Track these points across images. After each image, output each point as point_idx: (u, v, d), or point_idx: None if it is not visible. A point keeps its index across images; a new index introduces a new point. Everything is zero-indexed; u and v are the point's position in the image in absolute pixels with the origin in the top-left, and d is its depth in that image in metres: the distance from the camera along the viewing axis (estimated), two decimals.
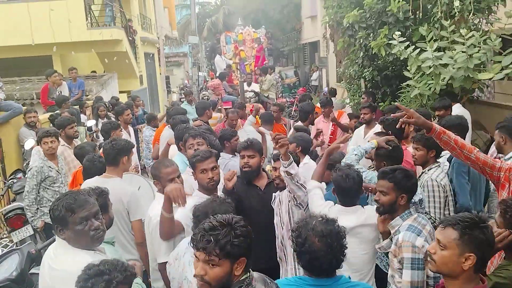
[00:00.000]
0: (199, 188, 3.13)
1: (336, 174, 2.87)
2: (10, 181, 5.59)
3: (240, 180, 3.44)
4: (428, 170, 3.46)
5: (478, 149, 2.80)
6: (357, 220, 2.81)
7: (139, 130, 8.74)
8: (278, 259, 3.26)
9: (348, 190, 2.84)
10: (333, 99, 8.30)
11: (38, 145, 4.67)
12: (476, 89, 5.90)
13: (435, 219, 3.31)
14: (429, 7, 5.84)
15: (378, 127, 5.24)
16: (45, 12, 8.15)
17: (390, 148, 3.36)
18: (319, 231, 1.99)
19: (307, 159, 4.08)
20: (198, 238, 1.74)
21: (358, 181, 2.87)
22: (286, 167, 2.85)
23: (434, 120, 5.89)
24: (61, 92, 8.34)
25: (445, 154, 3.83)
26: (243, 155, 3.44)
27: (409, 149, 4.05)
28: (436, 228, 2.23)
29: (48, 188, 4.56)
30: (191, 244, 1.80)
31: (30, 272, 3.16)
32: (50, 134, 4.54)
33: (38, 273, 3.05)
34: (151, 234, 2.89)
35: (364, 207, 2.94)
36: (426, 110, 5.09)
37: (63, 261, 2.08)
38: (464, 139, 4.00)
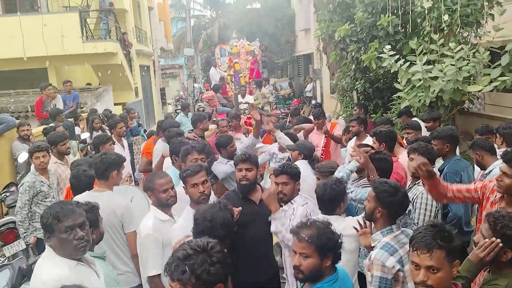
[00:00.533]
0: (191, 204, 3.13)
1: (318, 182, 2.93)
2: (3, 194, 5.56)
3: (235, 194, 3.45)
4: (420, 183, 3.47)
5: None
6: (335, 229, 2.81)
7: (134, 142, 8.75)
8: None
9: (326, 198, 2.91)
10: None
11: (31, 159, 4.66)
12: (467, 101, 5.99)
13: None
14: (418, 21, 5.95)
15: (369, 139, 5.29)
16: (38, 25, 8.21)
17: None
18: None
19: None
20: (173, 268, 1.66)
21: (338, 191, 2.91)
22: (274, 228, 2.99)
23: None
24: (55, 105, 8.35)
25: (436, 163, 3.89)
26: (240, 168, 3.40)
27: (400, 161, 4.10)
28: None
29: (40, 203, 4.54)
30: (165, 273, 1.71)
31: (20, 287, 3.14)
32: (42, 149, 4.54)
33: None
34: (140, 246, 2.91)
35: (346, 217, 2.96)
36: (417, 122, 5.16)
37: (42, 270, 2.14)
38: (455, 150, 4.08)
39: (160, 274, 2.81)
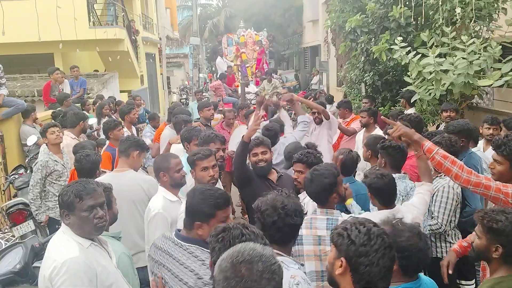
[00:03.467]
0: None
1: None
2: (12, 176, 5.61)
3: (253, 174, 3.56)
4: (444, 176, 3.37)
5: (476, 172, 2.71)
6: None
7: (139, 129, 8.77)
8: None
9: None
10: (329, 106, 8.31)
11: (43, 138, 4.72)
12: (476, 96, 5.97)
13: (441, 225, 3.32)
14: (430, 13, 5.91)
15: (378, 131, 5.30)
16: (52, 9, 8.16)
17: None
18: None
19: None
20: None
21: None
22: None
23: (437, 123, 5.95)
24: (62, 90, 8.37)
25: None
26: (255, 152, 3.53)
27: None
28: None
29: (54, 183, 4.60)
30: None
31: (33, 265, 3.19)
32: (56, 124, 4.74)
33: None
34: (149, 224, 2.93)
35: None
36: (419, 116, 5.15)
37: (55, 249, 2.15)
38: (469, 145, 4.03)
39: None
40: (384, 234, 1.61)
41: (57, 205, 4.48)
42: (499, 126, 4.51)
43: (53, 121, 5.00)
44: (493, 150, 2.84)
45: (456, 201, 3.37)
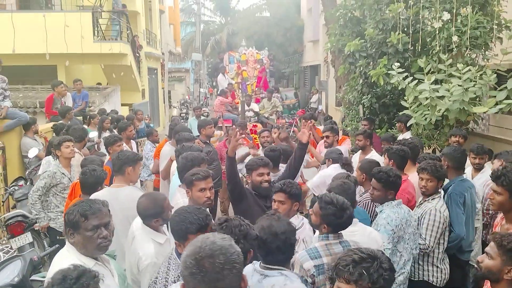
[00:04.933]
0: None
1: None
2: (12, 188, 5.66)
3: (246, 192, 3.60)
4: (431, 200, 3.55)
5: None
6: None
7: (139, 143, 8.84)
8: None
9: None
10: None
11: (56, 150, 4.75)
12: (471, 121, 6.07)
13: (428, 246, 3.43)
14: (428, 40, 6.06)
15: (373, 153, 5.39)
16: (59, 24, 8.33)
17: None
18: None
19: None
20: (350, 270, 1.65)
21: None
22: None
23: (433, 147, 6.06)
24: (65, 103, 8.47)
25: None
26: (261, 172, 3.56)
27: (411, 179, 4.12)
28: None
29: (57, 194, 4.68)
30: (334, 274, 1.71)
31: (31, 279, 3.22)
32: (71, 139, 4.84)
33: (39, 280, 3.14)
34: (141, 273, 2.76)
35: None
36: (419, 140, 5.26)
37: (56, 265, 2.15)
38: (462, 171, 4.11)
39: None
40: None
41: (58, 216, 4.55)
42: (486, 155, 4.57)
43: (66, 135, 5.06)
44: (493, 181, 2.93)
45: (444, 224, 3.47)
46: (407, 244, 3.24)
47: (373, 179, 3.39)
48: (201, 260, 1.32)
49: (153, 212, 2.86)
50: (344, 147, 6.02)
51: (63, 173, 4.71)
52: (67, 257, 2.19)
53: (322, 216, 2.60)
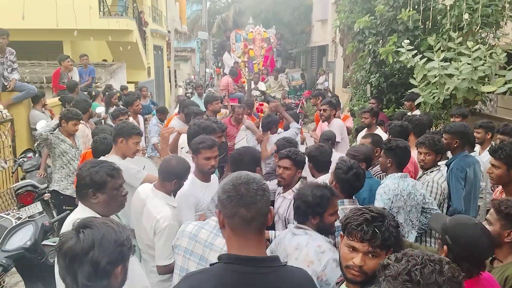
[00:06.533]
0: (195, 171, 3.21)
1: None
2: (20, 159, 5.74)
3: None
4: (430, 172, 3.61)
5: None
6: None
7: (146, 120, 8.87)
8: None
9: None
10: None
11: (63, 120, 4.71)
12: (479, 102, 6.05)
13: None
14: (438, 18, 5.99)
15: (379, 131, 5.39)
16: None
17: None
18: None
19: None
20: (363, 229, 1.72)
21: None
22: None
23: (440, 126, 6.06)
24: (71, 77, 8.49)
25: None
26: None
27: (413, 155, 4.13)
28: None
29: (57, 158, 4.72)
30: (347, 233, 1.77)
31: (42, 243, 3.30)
32: (79, 118, 4.80)
33: (50, 245, 3.22)
34: (159, 235, 2.76)
35: None
36: (429, 117, 5.24)
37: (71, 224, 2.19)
38: (464, 148, 4.12)
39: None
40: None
41: (63, 179, 4.61)
42: (485, 130, 4.59)
43: (79, 115, 4.95)
44: (490, 155, 2.96)
45: (441, 196, 3.53)
46: (408, 216, 3.24)
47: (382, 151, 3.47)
48: (238, 185, 1.55)
49: (178, 172, 2.88)
50: (339, 122, 5.87)
51: (62, 139, 4.70)
52: (84, 216, 2.22)
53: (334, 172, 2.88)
